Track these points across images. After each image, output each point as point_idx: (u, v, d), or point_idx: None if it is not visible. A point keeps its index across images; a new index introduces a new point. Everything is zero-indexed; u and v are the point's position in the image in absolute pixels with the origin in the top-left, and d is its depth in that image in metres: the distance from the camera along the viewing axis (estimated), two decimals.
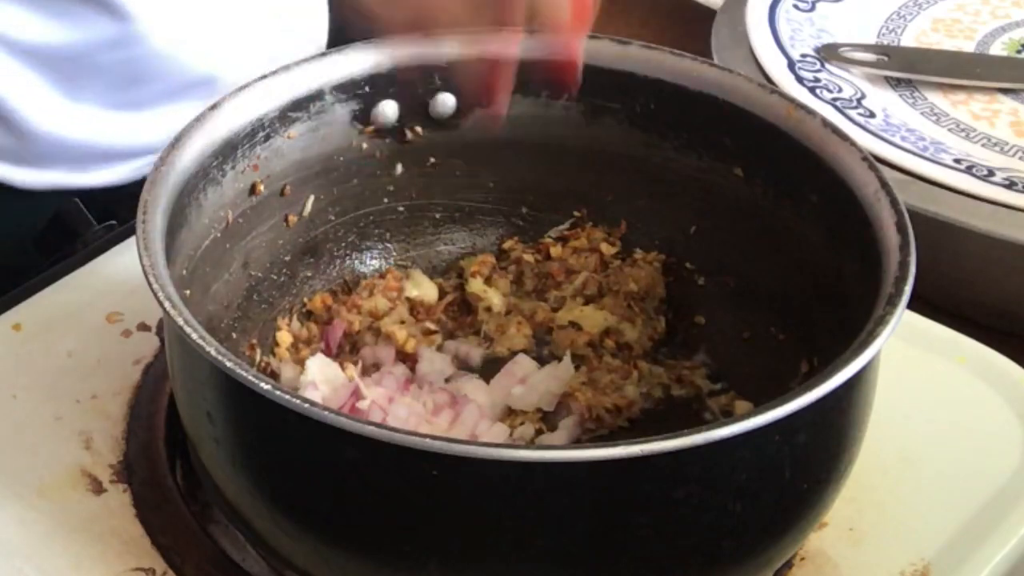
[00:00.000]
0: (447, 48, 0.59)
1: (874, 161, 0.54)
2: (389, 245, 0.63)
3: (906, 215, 0.51)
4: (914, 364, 0.61)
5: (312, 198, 0.60)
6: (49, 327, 0.62)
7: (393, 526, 0.46)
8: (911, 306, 0.48)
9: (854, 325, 0.48)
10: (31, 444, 0.57)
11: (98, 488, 0.55)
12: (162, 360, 0.60)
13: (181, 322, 0.46)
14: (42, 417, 0.58)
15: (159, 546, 0.53)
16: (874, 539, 0.55)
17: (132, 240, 0.49)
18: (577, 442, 0.58)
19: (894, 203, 0.51)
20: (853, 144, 0.54)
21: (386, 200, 0.62)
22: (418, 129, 0.61)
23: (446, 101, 0.60)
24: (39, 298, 0.63)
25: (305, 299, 0.61)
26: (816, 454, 0.49)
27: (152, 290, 0.47)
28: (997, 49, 0.83)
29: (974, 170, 0.71)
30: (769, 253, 0.58)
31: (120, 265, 0.63)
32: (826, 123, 0.55)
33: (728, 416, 0.59)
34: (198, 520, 0.55)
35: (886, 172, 0.54)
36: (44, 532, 0.54)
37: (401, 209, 0.63)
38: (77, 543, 0.53)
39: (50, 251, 0.67)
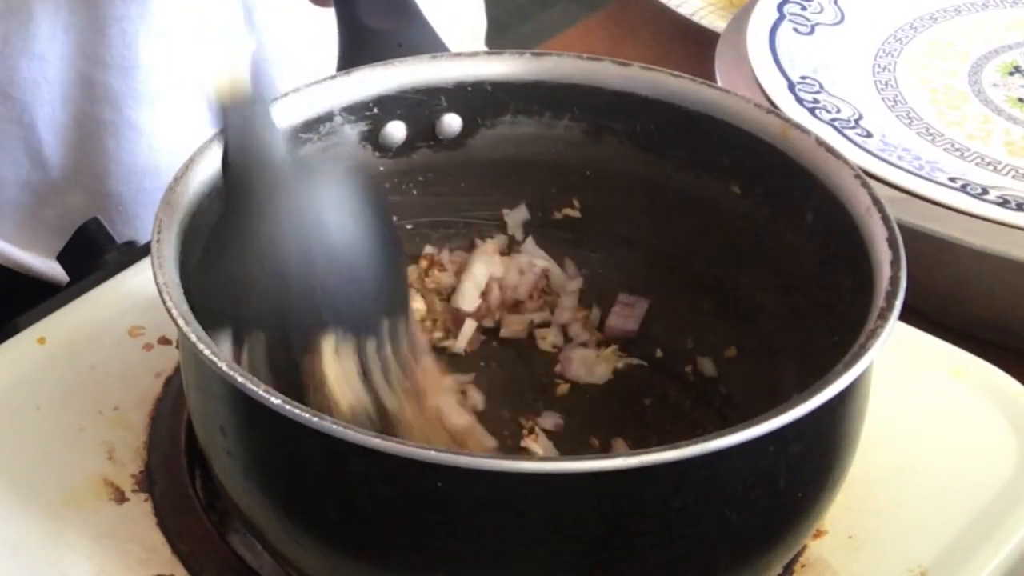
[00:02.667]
0: (452, 71, 0.60)
1: (866, 178, 0.54)
2: None
3: (897, 231, 0.51)
4: (912, 377, 0.62)
5: None
6: (73, 341, 0.62)
7: (400, 536, 0.47)
8: (909, 320, 0.49)
9: (847, 336, 0.49)
10: (55, 455, 0.58)
11: (120, 497, 0.56)
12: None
13: (194, 338, 0.47)
14: (66, 428, 0.59)
15: (179, 553, 0.54)
16: (873, 547, 0.56)
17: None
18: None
19: (886, 219, 0.52)
20: (846, 162, 0.55)
21: (395, 218, 0.63)
22: (425, 149, 0.62)
23: (452, 122, 0.61)
24: (63, 313, 0.64)
25: None
26: (810, 464, 0.50)
27: (166, 307, 0.48)
28: (991, 71, 0.84)
29: (968, 188, 0.72)
30: (764, 266, 0.59)
31: (141, 281, 0.64)
32: (820, 142, 0.56)
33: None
34: (217, 528, 0.56)
35: (883, 190, 0.54)
36: (68, 540, 0.55)
37: (410, 227, 0.64)
38: (100, 550, 0.54)
39: (73, 267, 0.68)
